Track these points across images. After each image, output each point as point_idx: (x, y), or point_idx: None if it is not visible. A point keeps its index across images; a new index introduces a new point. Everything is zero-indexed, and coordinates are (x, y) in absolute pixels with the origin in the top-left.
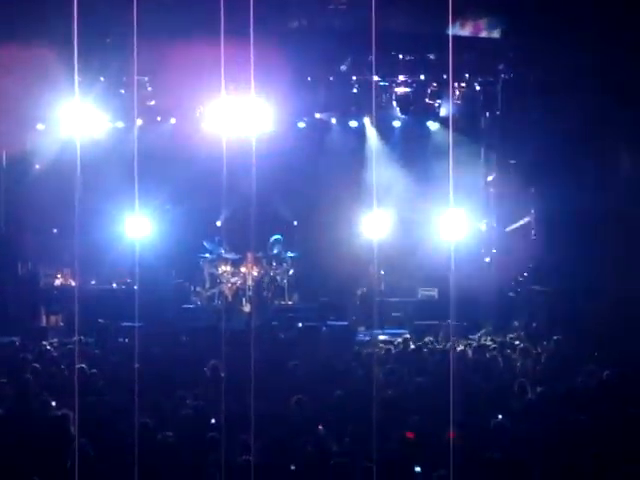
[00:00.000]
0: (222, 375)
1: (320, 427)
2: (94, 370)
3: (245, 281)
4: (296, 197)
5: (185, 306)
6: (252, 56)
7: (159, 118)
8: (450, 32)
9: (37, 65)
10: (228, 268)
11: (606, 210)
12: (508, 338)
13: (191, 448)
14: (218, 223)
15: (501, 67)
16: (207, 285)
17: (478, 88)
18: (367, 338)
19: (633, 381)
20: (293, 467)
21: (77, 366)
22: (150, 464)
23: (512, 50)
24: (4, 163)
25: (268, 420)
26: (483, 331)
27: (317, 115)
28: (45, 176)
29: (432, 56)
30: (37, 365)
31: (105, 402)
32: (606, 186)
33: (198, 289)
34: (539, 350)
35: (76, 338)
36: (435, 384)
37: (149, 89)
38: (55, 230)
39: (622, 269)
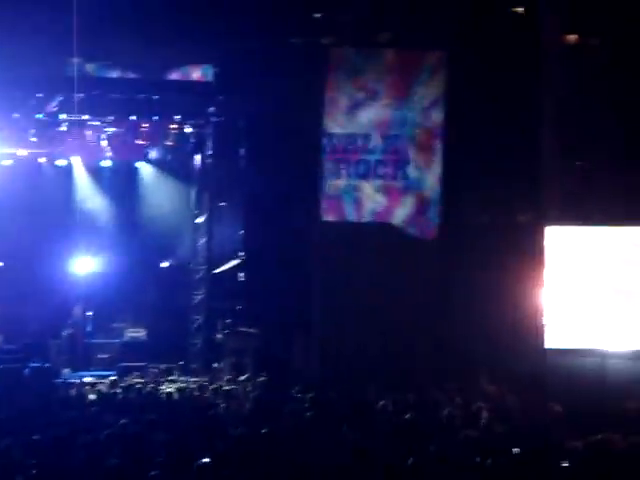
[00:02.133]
0: None
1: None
2: None
3: None
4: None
5: None
6: None
7: None
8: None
9: None
10: None
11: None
12: (214, 380)
13: None
14: None
15: (212, 110)
16: None
17: (189, 130)
18: (72, 380)
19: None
20: None
21: None
22: None
23: (223, 94)
24: None
25: None
26: (183, 371)
27: (25, 152)
28: None
29: (142, 97)
30: None
31: None
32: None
33: None
34: (246, 390)
35: None
36: (140, 426)
37: None
38: None
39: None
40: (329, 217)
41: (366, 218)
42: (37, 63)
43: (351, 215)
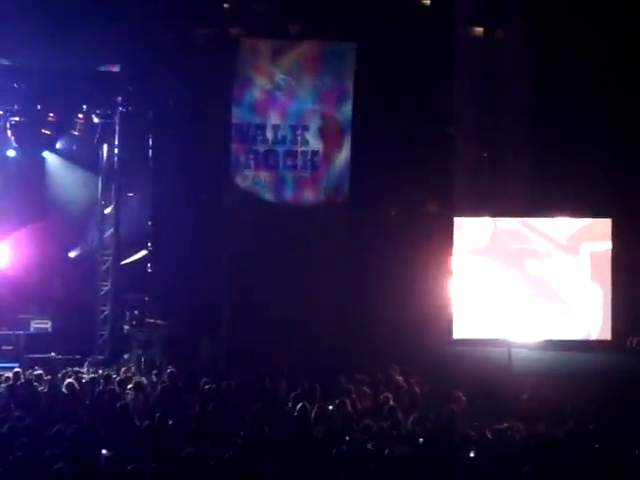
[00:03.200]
0: None
1: None
2: None
3: None
4: None
5: None
6: None
7: None
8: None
9: None
10: None
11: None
12: (120, 371)
13: None
14: None
15: (119, 100)
16: None
17: (96, 120)
18: None
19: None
20: None
21: None
22: None
23: (131, 84)
24: None
25: None
26: (89, 363)
27: None
28: None
29: (49, 86)
30: None
31: None
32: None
33: None
34: (153, 382)
35: None
36: (43, 419)
37: None
38: None
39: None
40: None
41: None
42: None
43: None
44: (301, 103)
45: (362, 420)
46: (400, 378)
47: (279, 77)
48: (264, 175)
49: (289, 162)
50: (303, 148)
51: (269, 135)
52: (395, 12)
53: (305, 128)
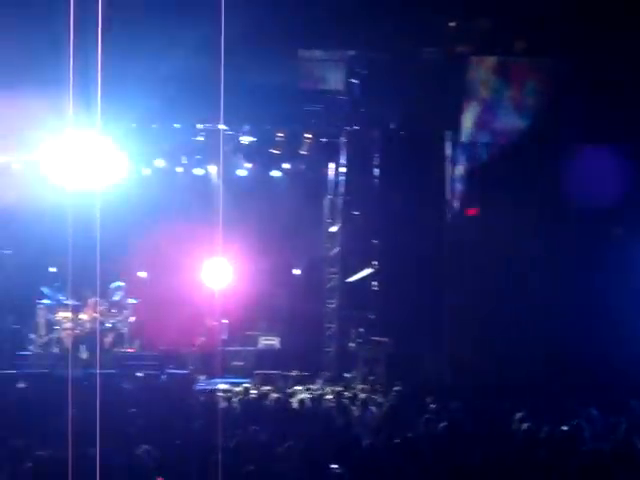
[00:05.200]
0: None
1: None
2: None
3: (84, 328)
4: (141, 243)
5: (21, 353)
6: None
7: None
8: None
9: None
10: (67, 314)
11: (444, 258)
12: (347, 388)
13: None
14: (52, 269)
15: (345, 120)
16: (43, 332)
17: (324, 140)
18: (207, 387)
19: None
20: None
21: None
22: None
23: (359, 105)
24: None
25: (116, 472)
26: (321, 381)
27: (161, 163)
28: None
29: (278, 106)
30: None
31: None
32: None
33: (33, 336)
34: (378, 401)
35: None
36: (274, 433)
37: None
38: None
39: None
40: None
41: None
42: None
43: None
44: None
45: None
46: None
47: (506, 94)
48: None
49: None
50: None
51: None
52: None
53: None
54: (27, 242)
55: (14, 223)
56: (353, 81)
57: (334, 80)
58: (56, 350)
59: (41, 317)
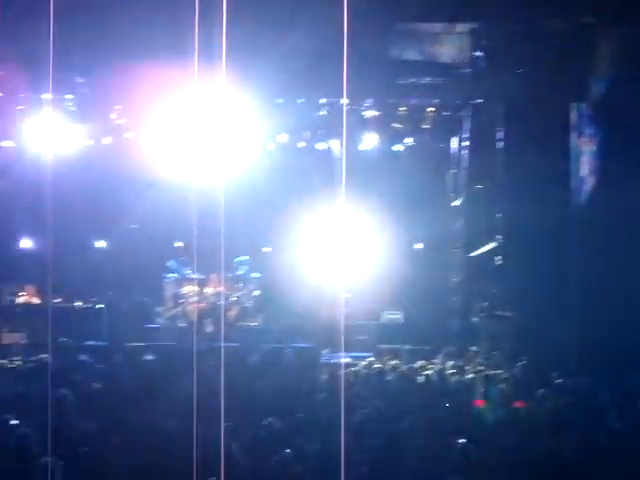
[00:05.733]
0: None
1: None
2: (63, 390)
3: (209, 301)
4: (264, 219)
5: (148, 326)
6: (224, 76)
7: (126, 135)
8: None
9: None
10: (193, 288)
11: (569, 232)
12: (471, 363)
13: (159, 471)
14: (179, 244)
15: (469, 93)
16: (169, 305)
17: (447, 113)
18: (331, 361)
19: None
20: None
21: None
22: None
23: (480, 77)
24: None
25: (238, 444)
26: (445, 355)
27: (284, 138)
28: (11, 193)
29: (401, 80)
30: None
31: (69, 421)
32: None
33: (159, 309)
34: (503, 375)
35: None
36: (398, 408)
37: (118, 107)
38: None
39: (589, 286)
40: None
41: None
42: None
43: None
44: None
45: None
46: None
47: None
48: None
49: None
50: None
51: None
52: None
53: None
54: (153, 217)
55: (141, 198)
56: (477, 53)
57: (457, 53)
58: (182, 323)
59: (167, 291)
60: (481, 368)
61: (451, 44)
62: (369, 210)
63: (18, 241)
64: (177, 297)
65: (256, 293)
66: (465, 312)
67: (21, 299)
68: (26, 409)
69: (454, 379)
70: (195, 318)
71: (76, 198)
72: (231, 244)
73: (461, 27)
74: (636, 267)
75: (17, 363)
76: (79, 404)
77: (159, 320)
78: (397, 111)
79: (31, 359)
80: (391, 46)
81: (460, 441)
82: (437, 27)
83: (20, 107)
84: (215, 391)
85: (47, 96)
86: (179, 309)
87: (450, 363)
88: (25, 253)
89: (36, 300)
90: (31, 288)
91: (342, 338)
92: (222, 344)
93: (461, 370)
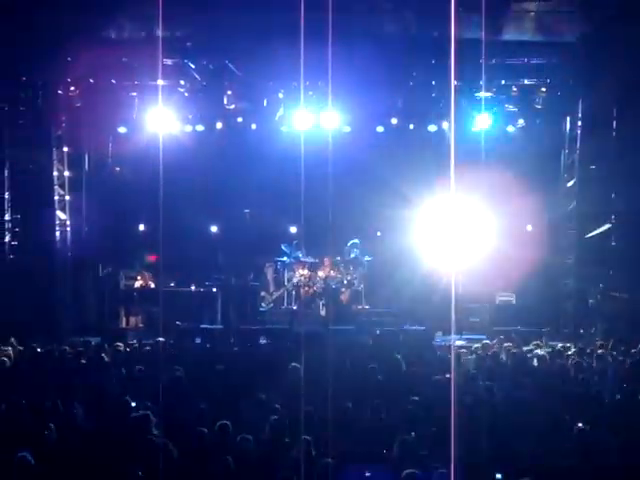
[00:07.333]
0: (302, 378)
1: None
2: (178, 372)
3: (321, 285)
4: (373, 202)
5: (262, 309)
6: (330, 59)
7: (240, 120)
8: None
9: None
10: (305, 272)
11: None
12: (586, 345)
13: (269, 451)
14: (293, 229)
15: (582, 73)
16: (281, 288)
17: (559, 94)
18: (444, 343)
19: None
20: (368, 474)
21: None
22: (230, 467)
23: (591, 56)
24: (86, 166)
25: (347, 423)
26: (559, 337)
27: (394, 120)
28: (126, 179)
29: (512, 61)
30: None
31: (186, 404)
32: None
33: (272, 292)
34: (621, 357)
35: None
36: (515, 390)
37: (229, 93)
38: (142, 227)
39: None
40: None
41: None
42: None
43: None
44: None
45: None
46: None
47: None
48: None
49: None
50: None
51: None
52: None
53: None
54: (266, 202)
55: (251, 182)
56: (587, 33)
57: (568, 33)
58: (294, 307)
59: (279, 274)
60: (596, 350)
61: (563, 23)
62: (481, 192)
63: (137, 227)
64: (289, 280)
65: (368, 276)
66: (579, 294)
67: (137, 283)
68: (144, 391)
69: (569, 361)
70: (308, 301)
71: (189, 183)
72: (343, 228)
73: (573, 6)
74: None
75: (134, 346)
76: (195, 386)
77: (271, 303)
78: (510, 91)
79: (149, 342)
80: (501, 27)
81: (579, 425)
82: (547, 5)
83: (133, 93)
84: (327, 372)
85: (159, 82)
86: (292, 292)
87: (566, 345)
88: (142, 238)
89: (152, 284)
90: (147, 273)
91: (452, 320)
92: (334, 327)
93: (577, 352)
